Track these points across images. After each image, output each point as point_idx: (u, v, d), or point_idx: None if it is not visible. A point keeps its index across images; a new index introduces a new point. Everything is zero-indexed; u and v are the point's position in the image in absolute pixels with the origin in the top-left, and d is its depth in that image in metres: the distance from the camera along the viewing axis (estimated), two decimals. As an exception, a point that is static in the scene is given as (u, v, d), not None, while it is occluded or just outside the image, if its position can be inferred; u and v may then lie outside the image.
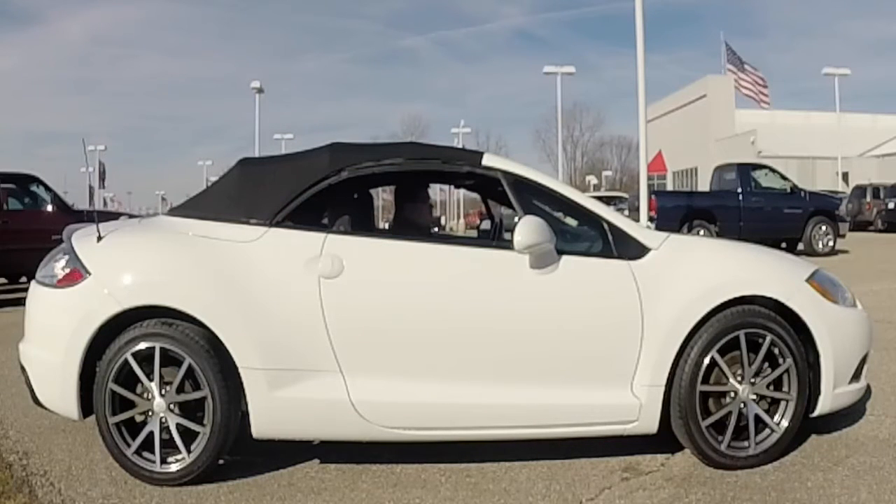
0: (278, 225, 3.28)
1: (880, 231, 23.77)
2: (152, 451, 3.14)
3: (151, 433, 3.15)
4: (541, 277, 3.20)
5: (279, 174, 3.46)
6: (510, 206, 3.43)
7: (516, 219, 3.21)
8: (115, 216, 8.38)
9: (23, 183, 10.61)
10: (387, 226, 4.83)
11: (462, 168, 3.50)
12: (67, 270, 3.26)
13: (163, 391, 3.15)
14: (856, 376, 3.46)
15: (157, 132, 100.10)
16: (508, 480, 3.20)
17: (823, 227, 14.75)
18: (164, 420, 3.15)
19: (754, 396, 3.29)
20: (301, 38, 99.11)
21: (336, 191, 3.44)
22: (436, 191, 43.63)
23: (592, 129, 70.59)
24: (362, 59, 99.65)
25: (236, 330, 3.12)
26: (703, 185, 25.05)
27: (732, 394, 3.28)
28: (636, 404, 3.18)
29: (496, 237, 4.35)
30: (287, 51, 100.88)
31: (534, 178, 3.42)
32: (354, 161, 3.39)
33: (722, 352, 3.23)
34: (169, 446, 3.15)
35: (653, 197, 14.78)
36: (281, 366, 3.12)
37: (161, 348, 3.12)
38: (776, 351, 3.28)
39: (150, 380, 3.14)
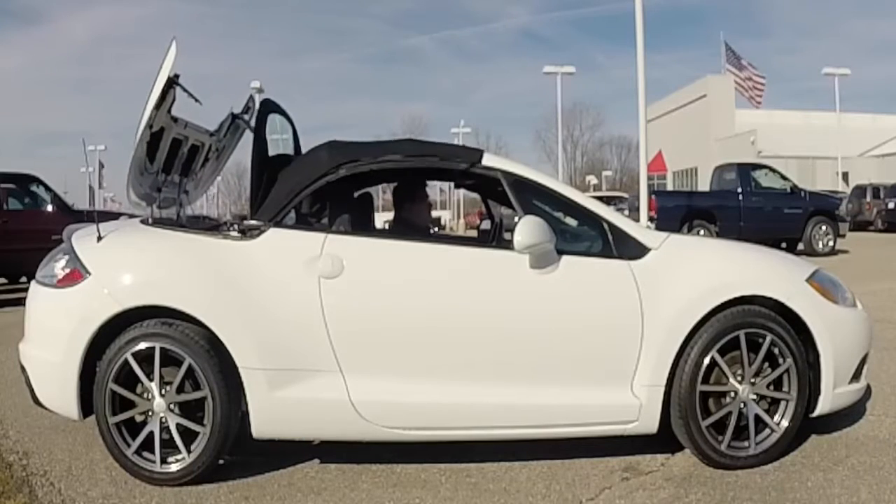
0: (278, 224, 3.28)
1: (880, 231, 23.74)
2: (152, 451, 3.14)
3: (151, 433, 3.15)
4: (541, 277, 3.20)
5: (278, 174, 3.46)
6: (510, 206, 3.43)
7: (516, 219, 3.21)
8: (115, 216, 8.38)
9: (23, 183, 10.62)
10: (387, 226, 4.83)
11: (459, 165, 3.49)
12: (67, 270, 3.26)
13: (163, 391, 3.15)
14: (856, 376, 3.46)
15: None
16: (508, 480, 3.20)
17: (823, 227, 14.73)
18: (164, 420, 3.15)
19: (754, 396, 3.29)
20: (303, 38, 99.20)
21: (335, 189, 3.44)
22: (436, 191, 43.65)
23: (592, 129, 70.70)
24: (365, 59, 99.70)
25: (236, 330, 3.12)
26: (703, 185, 25.03)
27: (732, 394, 3.28)
28: (636, 404, 3.18)
29: (496, 237, 4.35)
30: (289, 50, 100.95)
31: (534, 178, 3.42)
32: (352, 158, 3.38)
33: (722, 352, 3.23)
34: (169, 446, 3.15)
35: (653, 197, 14.77)
36: (281, 366, 3.12)
37: (161, 348, 3.12)
38: (776, 351, 3.28)
39: (150, 380, 3.14)
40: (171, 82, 3.37)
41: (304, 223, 3.47)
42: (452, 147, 3.56)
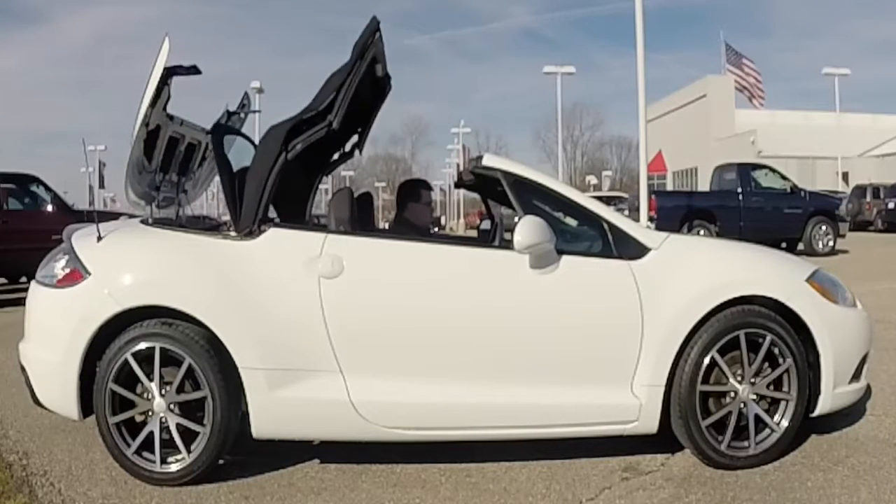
0: (264, 223, 3.24)
1: (880, 231, 23.73)
2: (152, 451, 3.14)
3: (151, 433, 3.15)
4: (541, 277, 3.20)
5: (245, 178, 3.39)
6: (510, 206, 3.43)
7: (516, 219, 3.21)
8: (115, 216, 8.38)
9: (23, 183, 10.62)
10: (387, 226, 4.84)
11: (378, 66, 3.38)
12: (67, 270, 3.26)
13: (163, 391, 3.15)
14: (856, 376, 3.45)
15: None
16: (508, 480, 3.20)
17: (823, 227, 14.72)
18: (164, 420, 3.15)
19: (754, 396, 3.29)
20: (303, 38, 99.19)
21: (298, 165, 3.40)
22: (436, 191, 43.58)
23: (592, 129, 70.78)
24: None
25: (236, 330, 3.12)
26: (703, 185, 25.02)
27: (732, 394, 3.28)
28: (636, 404, 3.18)
29: (496, 237, 4.35)
30: (289, 50, 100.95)
31: (534, 178, 3.42)
32: (301, 130, 3.28)
33: (722, 352, 3.23)
34: (169, 446, 3.15)
35: (653, 197, 14.77)
36: (281, 366, 3.12)
37: (161, 348, 3.12)
38: (776, 351, 3.27)
39: (150, 380, 3.14)
40: (167, 78, 3.37)
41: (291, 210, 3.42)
42: (365, 49, 3.37)
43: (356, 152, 4.47)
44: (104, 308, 3.14)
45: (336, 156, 4.51)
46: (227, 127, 3.97)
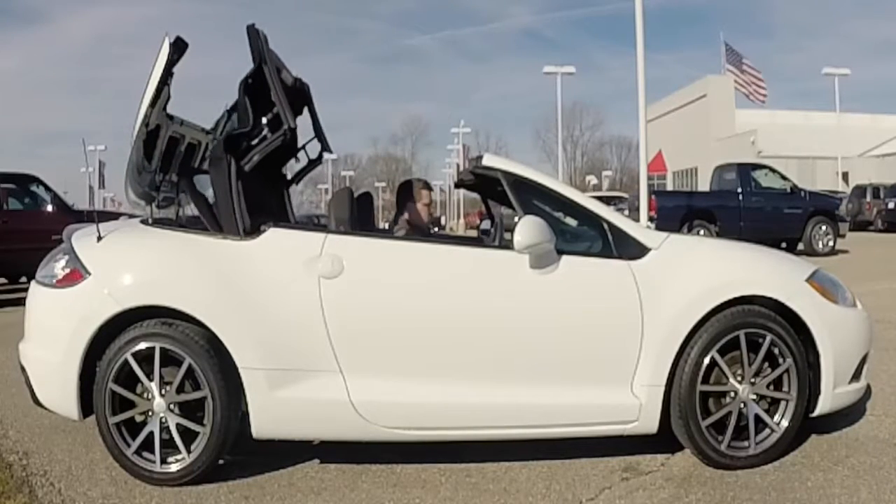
0: (257, 231, 3.25)
1: (880, 231, 23.72)
2: (152, 451, 3.14)
3: (151, 433, 3.15)
4: (541, 277, 3.20)
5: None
6: (510, 206, 3.43)
7: (516, 219, 3.21)
8: (115, 216, 8.38)
9: (23, 183, 10.62)
10: (387, 226, 4.83)
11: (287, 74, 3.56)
12: (67, 270, 3.26)
13: (163, 391, 3.15)
14: (856, 376, 3.45)
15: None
16: (508, 480, 3.20)
17: (823, 227, 14.72)
18: (164, 420, 3.15)
19: (754, 396, 3.29)
20: (304, 38, 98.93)
21: (260, 180, 3.42)
22: (436, 191, 43.58)
23: (592, 129, 70.83)
24: (365, 59, 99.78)
25: (236, 330, 3.12)
26: (703, 185, 25.01)
27: (732, 394, 3.28)
28: (636, 404, 3.18)
29: (496, 237, 4.36)
30: (290, 50, 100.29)
31: (534, 178, 3.42)
32: (244, 143, 3.35)
33: (722, 352, 3.23)
34: (169, 446, 3.15)
35: (653, 197, 14.76)
36: (281, 366, 3.12)
37: (161, 348, 3.12)
38: (776, 351, 3.27)
39: (150, 380, 3.14)
40: (167, 77, 3.37)
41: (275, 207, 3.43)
42: (261, 54, 3.52)
43: (324, 156, 4.44)
44: (104, 308, 3.14)
45: (305, 163, 4.43)
46: (196, 169, 4.00)
